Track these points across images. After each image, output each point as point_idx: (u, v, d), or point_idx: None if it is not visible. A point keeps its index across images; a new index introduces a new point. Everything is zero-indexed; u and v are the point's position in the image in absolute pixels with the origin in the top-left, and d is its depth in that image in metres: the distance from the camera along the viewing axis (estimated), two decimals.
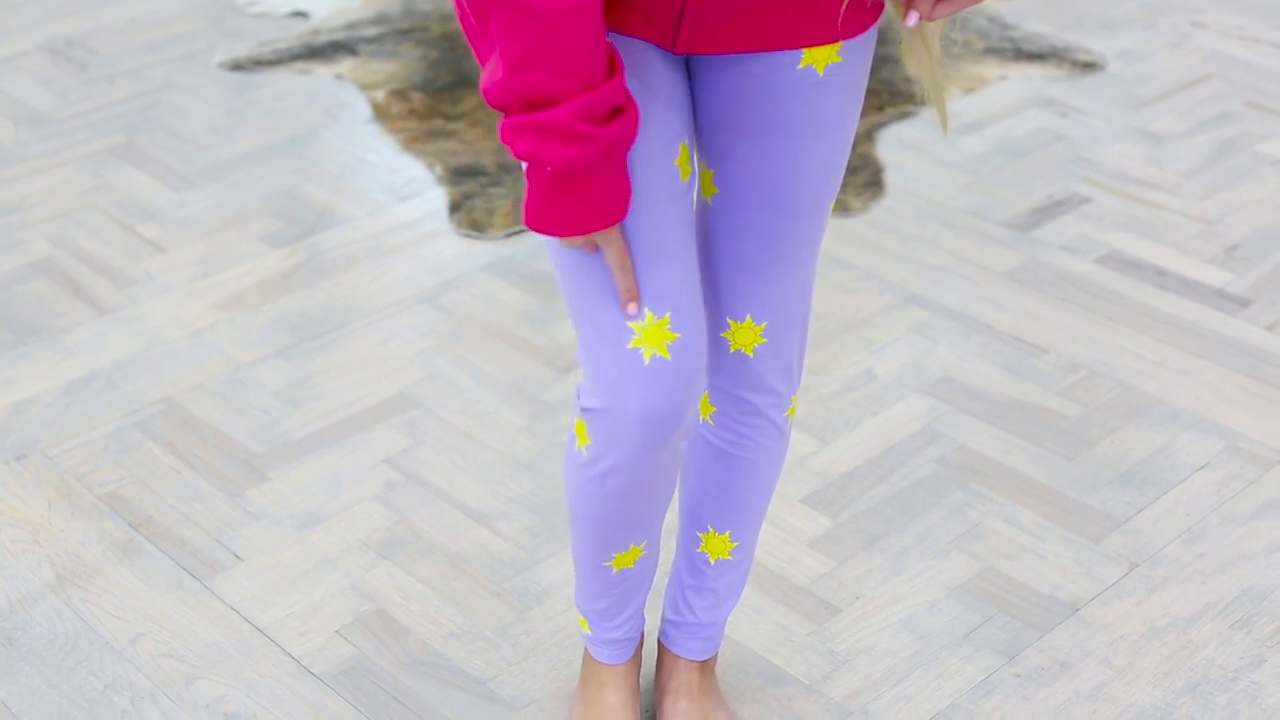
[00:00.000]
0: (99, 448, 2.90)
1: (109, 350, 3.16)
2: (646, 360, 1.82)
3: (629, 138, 1.70)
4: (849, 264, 3.38)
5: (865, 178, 3.66)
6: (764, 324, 2.01)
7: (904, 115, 3.93)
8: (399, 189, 3.67)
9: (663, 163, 1.83)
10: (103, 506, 2.75)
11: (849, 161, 3.66)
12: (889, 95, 4.00)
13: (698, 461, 2.14)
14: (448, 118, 3.89)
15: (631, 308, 1.80)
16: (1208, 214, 3.57)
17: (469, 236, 3.48)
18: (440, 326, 3.21)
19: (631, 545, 2.06)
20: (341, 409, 2.98)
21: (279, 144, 3.90)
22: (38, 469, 2.84)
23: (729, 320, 2.01)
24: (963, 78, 4.12)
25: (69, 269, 3.43)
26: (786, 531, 2.66)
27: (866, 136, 3.81)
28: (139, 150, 3.89)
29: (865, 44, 1.85)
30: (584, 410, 1.88)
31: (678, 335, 1.83)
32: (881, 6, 1.82)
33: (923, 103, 4.00)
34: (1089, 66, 4.21)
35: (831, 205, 1.97)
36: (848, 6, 1.77)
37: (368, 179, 3.72)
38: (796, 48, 1.80)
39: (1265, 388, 3.01)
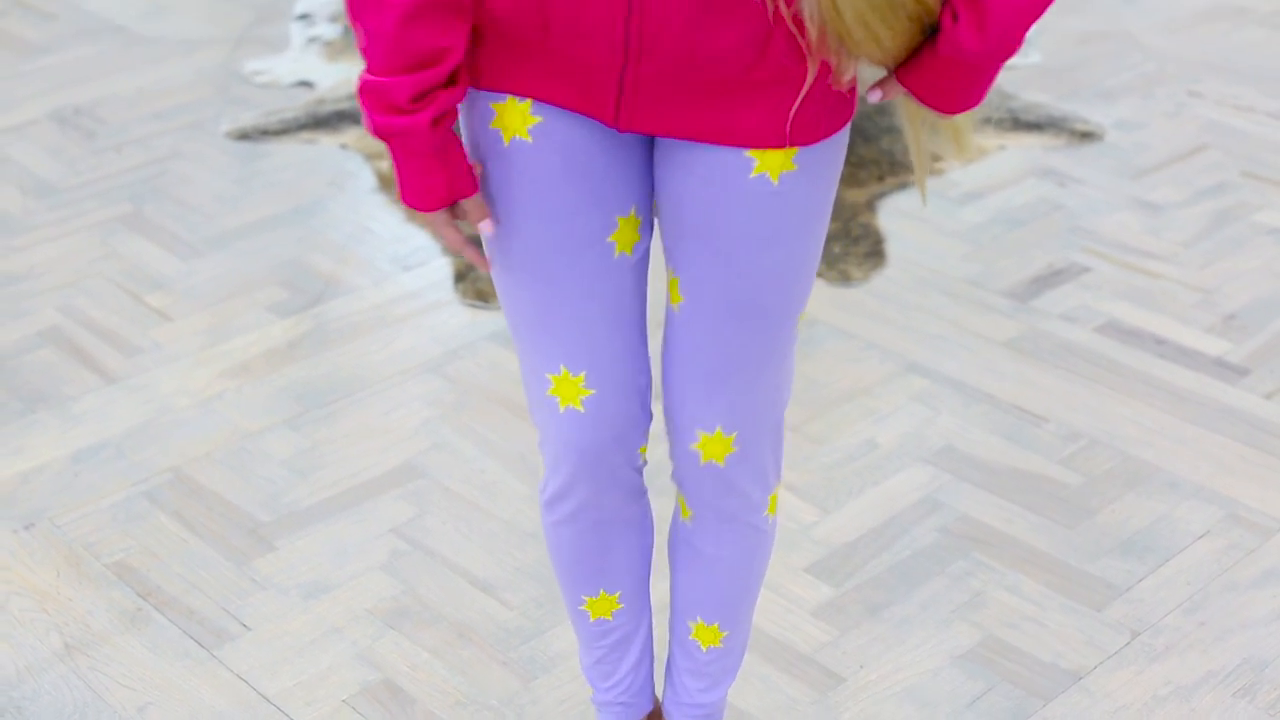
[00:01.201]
0: (107, 517, 2.92)
1: (117, 419, 3.19)
2: (561, 409, 1.95)
3: (401, 135, 1.75)
4: (851, 334, 3.41)
5: (866, 248, 3.69)
6: (734, 434, 1.99)
7: (904, 185, 3.97)
8: (404, 258, 3.70)
9: (591, 242, 1.87)
10: (110, 575, 2.77)
11: (850, 232, 3.71)
12: (889, 165, 4.04)
13: (680, 560, 2.16)
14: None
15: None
16: (1206, 283, 3.60)
17: (473, 306, 3.51)
18: (445, 396, 3.23)
19: (602, 591, 2.14)
20: (348, 478, 3.00)
21: (285, 213, 3.93)
22: (46, 538, 2.86)
23: (698, 433, 1.99)
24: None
25: (77, 338, 3.46)
26: (790, 600, 2.68)
27: (867, 206, 3.85)
28: (146, 219, 3.93)
29: (826, 153, 1.82)
30: (539, 441, 2.04)
31: (592, 391, 1.94)
32: (844, 116, 1.80)
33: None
34: (1087, 136, 4.26)
35: (800, 313, 1.94)
36: (799, 114, 1.75)
37: (373, 248, 3.75)
38: (743, 147, 1.77)
39: (1264, 456, 3.03)
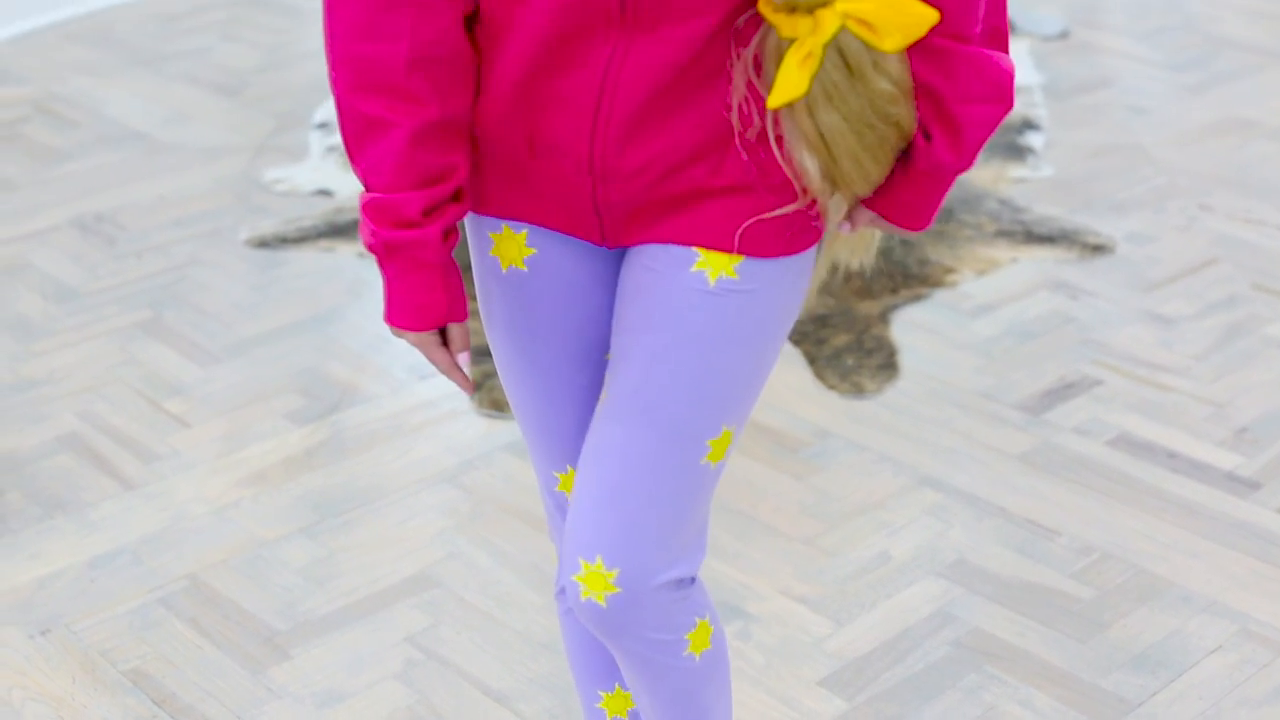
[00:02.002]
0: (123, 623, 2.93)
1: (134, 525, 3.21)
2: (570, 500, 1.98)
3: (411, 248, 1.78)
4: (864, 446, 3.43)
5: (880, 360, 3.72)
6: (616, 570, 1.84)
7: (917, 298, 4.00)
8: (420, 367, 3.73)
9: (588, 359, 1.95)
10: (126, 683, 2.78)
11: (864, 344, 3.73)
12: (902, 278, 4.07)
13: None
14: (469, 296, 3.95)
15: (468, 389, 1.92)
16: (1217, 397, 3.62)
17: (489, 416, 3.54)
18: (461, 506, 3.25)
19: (617, 686, 2.14)
20: (363, 587, 3.02)
21: (303, 321, 3.97)
22: (62, 644, 2.88)
23: (580, 560, 1.85)
24: (975, 260, 4.20)
25: (95, 443, 3.48)
26: (802, 714, 2.69)
27: (880, 319, 3.88)
28: (165, 326, 3.96)
29: (776, 273, 1.82)
30: (550, 533, 2.12)
31: None
32: (806, 241, 1.83)
33: (936, 284, 4.07)
34: (1099, 249, 4.29)
35: (708, 453, 1.85)
36: (753, 225, 1.78)
37: (390, 357, 3.79)
38: (691, 244, 1.80)
39: (1277, 570, 3.04)
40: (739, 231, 1.78)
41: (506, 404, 3.54)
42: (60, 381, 3.74)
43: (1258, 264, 4.24)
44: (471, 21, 1.79)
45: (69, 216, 4.60)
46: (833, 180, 1.74)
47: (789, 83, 1.66)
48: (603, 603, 1.84)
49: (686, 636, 1.92)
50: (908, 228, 1.85)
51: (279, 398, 3.64)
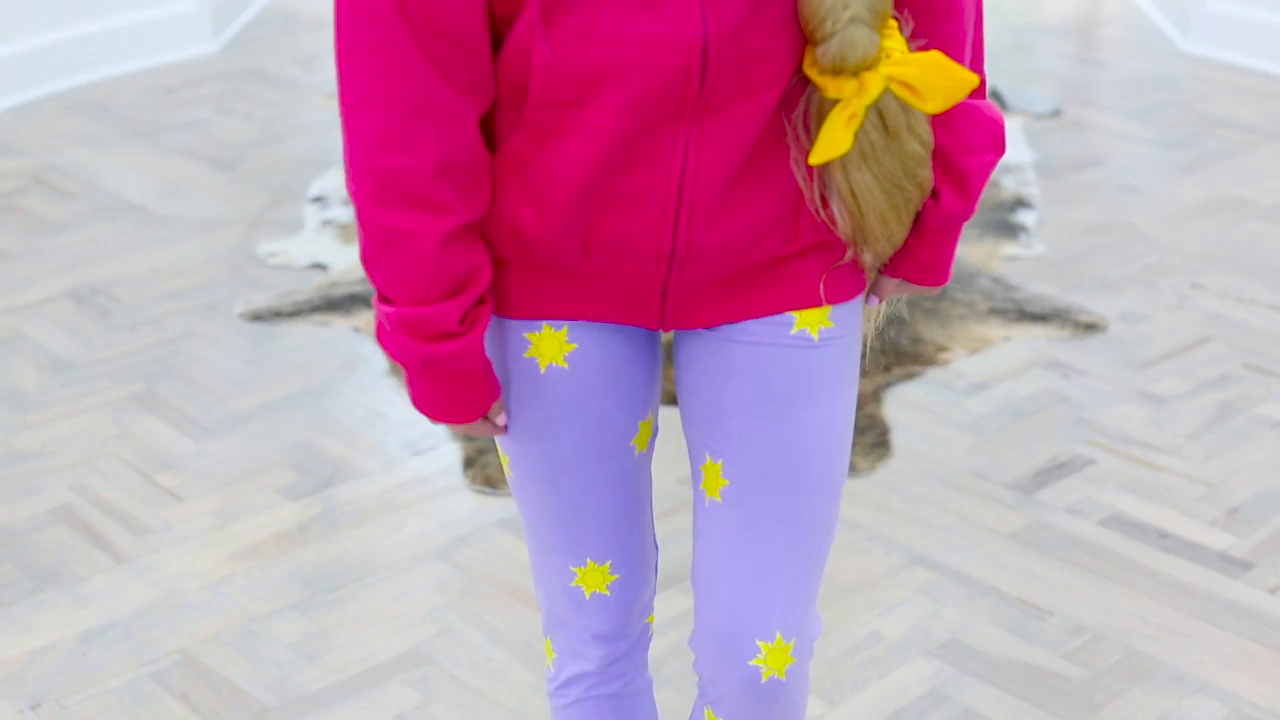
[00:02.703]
0: (113, 698, 2.92)
1: (126, 600, 3.20)
2: (587, 595, 2.00)
3: (454, 360, 1.76)
4: (856, 524, 3.43)
5: (872, 438, 3.72)
6: (793, 640, 1.91)
7: (910, 376, 4.01)
8: (414, 443, 3.73)
9: (618, 448, 1.93)
10: None
11: (856, 422, 3.74)
12: (895, 356, 4.08)
13: None
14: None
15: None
16: (1209, 476, 3.62)
17: (482, 492, 3.54)
18: (453, 583, 3.25)
19: None
20: (355, 664, 3.01)
21: (297, 396, 3.97)
22: (52, 719, 2.87)
23: (758, 644, 1.89)
24: (967, 339, 4.21)
25: (88, 517, 3.48)
26: None
27: (873, 397, 3.89)
28: (159, 399, 3.97)
29: (854, 310, 1.89)
30: (545, 629, 2.11)
31: (617, 576, 2.00)
32: (865, 277, 1.88)
33: (929, 362, 4.08)
34: (1091, 328, 4.30)
35: (842, 490, 1.93)
36: (831, 274, 1.82)
37: (383, 432, 3.79)
38: (783, 310, 1.83)
39: (1269, 652, 3.04)
40: (823, 283, 1.83)
41: (499, 480, 3.54)
42: (53, 454, 3.74)
43: (1249, 343, 4.26)
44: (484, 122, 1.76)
45: (64, 288, 4.61)
46: (859, 238, 1.77)
47: (832, 141, 1.68)
48: (784, 677, 1.91)
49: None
50: (931, 284, 1.92)
51: (272, 472, 3.65)
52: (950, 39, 1.80)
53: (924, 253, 1.87)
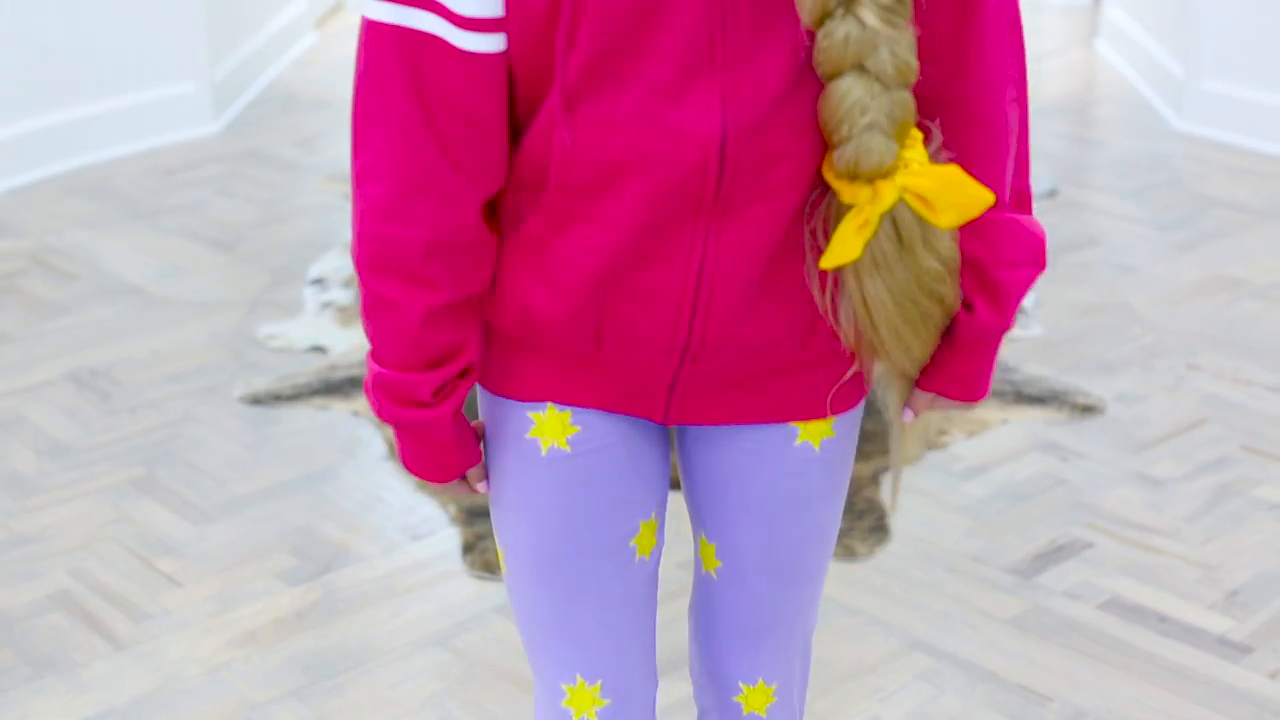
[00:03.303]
0: None
1: (124, 687, 3.20)
2: (576, 718, 1.98)
3: (422, 427, 1.80)
4: (855, 610, 3.43)
5: (870, 523, 3.73)
6: (775, 684, 2.06)
7: (908, 459, 4.02)
8: (413, 528, 3.74)
9: (616, 545, 1.91)
10: None
11: (855, 506, 3.75)
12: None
13: None
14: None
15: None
16: (1208, 559, 3.63)
17: (481, 578, 3.54)
18: (452, 669, 3.25)
19: None
20: None
21: (296, 480, 3.98)
22: None
23: (741, 685, 2.05)
24: (965, 421, 4.22)
25: (87, 602, 3.48)
26: None
27: (871, 481, 3.89)
28: (158, 483, 3.98)
29: (856, 414, 1.93)
30: None
31: (607, 702, 1.97)
32: (868, 382, 1.90)
33: (928, 445, 4.09)
34: (1088, 410, 4.32)
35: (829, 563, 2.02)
36: (838, 386, 1.84)
37: (383, 517, 3.80)
38: (789, 420, 1.86)
39: None
40: (830, 396, 1.85)
41: (498, 566, 3.54)
42: (52, 539, 3.74)
43: (1246, 424, 4.27)
44: (491, 207, 1.79)
45: (64, 371, 4.62)
46: (869, 348, 1.78)
47: (844, 246, 1.69)
48: (764, 713, 2.07)
49: None
50: (967, 400, 1.92)
51: (271, 557, 3.65)
52: (984, 153, 1.78)
53: (957, 366, 1.85)
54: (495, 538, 1.98)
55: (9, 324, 4.95)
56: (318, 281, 5.18)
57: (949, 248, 1.73)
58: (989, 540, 3.70)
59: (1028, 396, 4.38)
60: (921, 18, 1.69)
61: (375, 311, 1.77)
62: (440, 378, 1.78)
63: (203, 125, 6.91)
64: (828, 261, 1.70)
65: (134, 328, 4.92)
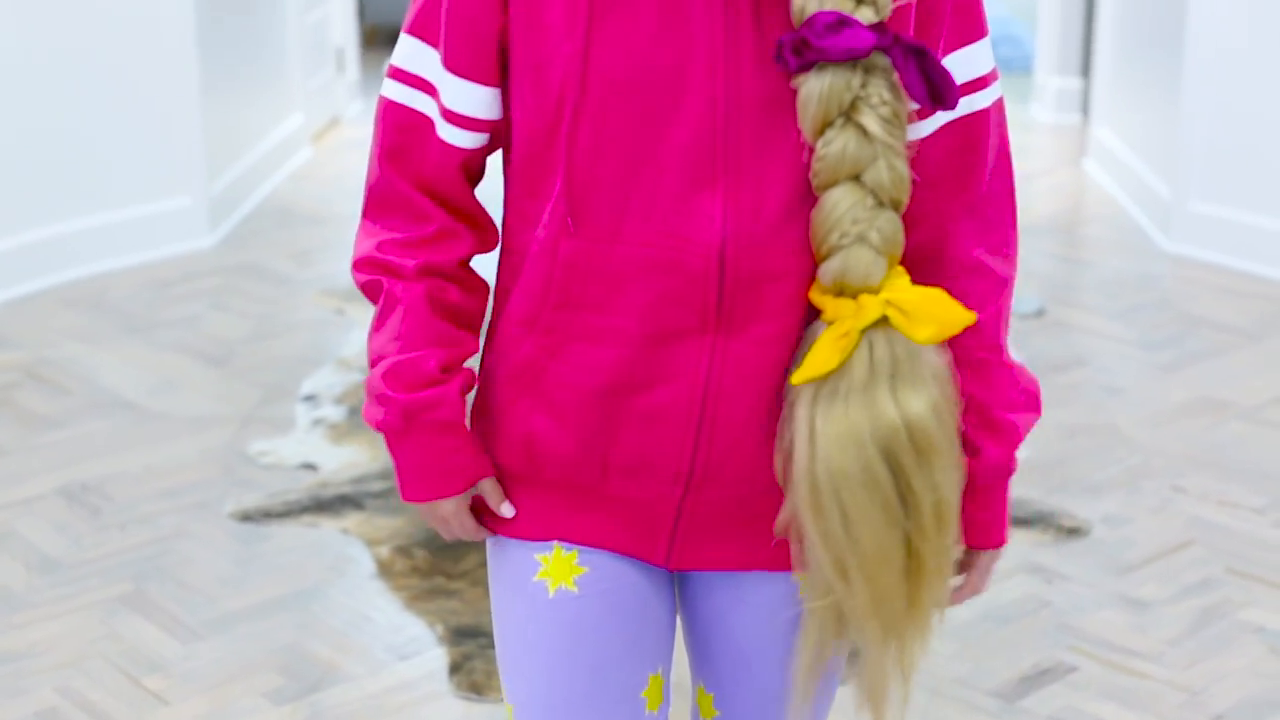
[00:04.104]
0: None
1: None
2: None
3: (432, 408, 1.79)
4: None
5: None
6: None
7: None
8: (400, 648, 3.75)
9: (626, 696, 1.88)
10: None
11: None
12: None
13: None
14: (449, 576, 3.99)
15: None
16: (1192, 684, 3.64)
17: (468, 699, 3.54)
18: None
19: None
20: None
21: (285, 597, 3.99)
22: None
23: None
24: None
25: None
26: None
27: None
28: (148, 600, 3.99)
29: None
30: None
31: None
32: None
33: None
34: (1074, 532, 4.34)
35: None
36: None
37: (370, 636, 3.81)
38: (790, 570, 1.81)
39: None
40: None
41: (485, 686, 3.54)
42: (40, 655, 3.75)
43: (1231, 547, 4.29)
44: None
45: (56, 485, 4.64)
46: (800, 510, 1.71)
47: (819, 358, 1.68)
48: None
49: None
50: (986, 546, 1.90)
51: (259, 675, 3.65)
52: (980, 296, 1.82)
53: (973, 512, 1.83)
54: (503, 695, 1.93)
55: (1, 437, 4.98)
56: (310, 398, 5.21)
57: (918, 408, 1.68)
58: (974, 663, 3.71)
59: (1014, 519, 4.39)
60: (924, 150, 1.75)
61: (386, 308, 1.83)
62: (446, 354, 1.80)
63: (199, 239, 6.97)
64: (800, 375, 1.69)
65: (126, 442, 4.94)
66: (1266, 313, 6.14)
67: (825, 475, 1.67)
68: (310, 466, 4.71)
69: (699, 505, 1.81)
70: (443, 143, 1.81)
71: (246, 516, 4.41)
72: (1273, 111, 6.56)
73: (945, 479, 1.69)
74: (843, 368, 1.68)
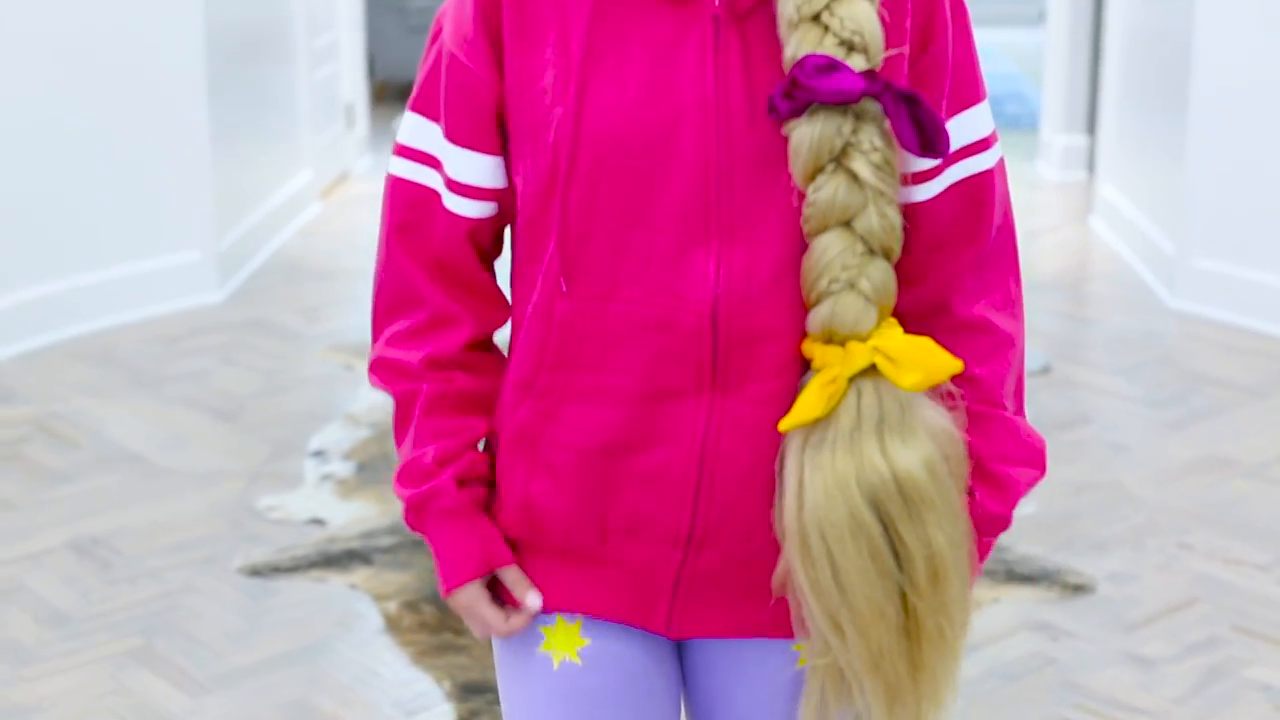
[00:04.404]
0: None
1: None
2: None
3: (432, 499, 1.82)
4: None
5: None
6: None
7: None
8: (407, 703, 3.76)
9: None
10: None
11: None
12: None
13: None
14: (457, 631, 4.01)
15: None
16: None
17: None
18: None
19: None
20: None
21: (293, 652, 4.00)
22: None
23: None
24: None
25: None
26: None
27: None
28: (156, 654, 4.00)
29: None
30: None
31: None
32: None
33: None
34: (1079, 589, 4.35)
35: None
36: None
37: (378, 692, 3.82)
38: (790, 637, 1.80)
39: None
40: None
41: None
42: (49, 709, 3.76)
43: (1237, 604, 4.30)
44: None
45: (65, 539, 4.66)
46: (790, 566, 1.71)
47: (805, 404, 1.68)
48: None
49: None
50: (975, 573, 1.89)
51: None
52: (982, 353, 1.83)
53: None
54: None
55: (11, 491, 5.00)
56: (318, 454, 5.23)
57: (908, 460, 1.67)
58: None
59: (1019, 575, 4.41)
60: (930, 211, 1.77)
61: (399, 414, 1.87)
62: (441, 447, 1.83)
63: (207, 294, 7.00)
64: (787, 421, 1.69)
65: (135, 497, 4.96)
66: (1271, 370, 6.16)
67: (813, 524, 1.67)
68: (318, 521, 4.73)
69: (699, 568, 1.80)
70: (449, 213, 1.84)
71: (255, 571, 4.43)
72: (1275, 168, 6.60)
73: (940, 535, 1.67)
74: (830, 416, 1.68)
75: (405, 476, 1.84)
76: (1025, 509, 4.80)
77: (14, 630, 4.13)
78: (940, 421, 1.72)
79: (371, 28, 11.28)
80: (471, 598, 1.85)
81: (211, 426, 5.56)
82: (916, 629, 1.70)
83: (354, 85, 9.73)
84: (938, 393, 1.74)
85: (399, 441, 1.88)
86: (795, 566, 1.70)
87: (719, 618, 1.84)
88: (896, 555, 1.67)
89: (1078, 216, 8.55)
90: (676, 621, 1.85)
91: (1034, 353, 6.19)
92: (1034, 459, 1.84)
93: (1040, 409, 5.62)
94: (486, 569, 1.85)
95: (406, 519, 1.87)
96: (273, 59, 8.04)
